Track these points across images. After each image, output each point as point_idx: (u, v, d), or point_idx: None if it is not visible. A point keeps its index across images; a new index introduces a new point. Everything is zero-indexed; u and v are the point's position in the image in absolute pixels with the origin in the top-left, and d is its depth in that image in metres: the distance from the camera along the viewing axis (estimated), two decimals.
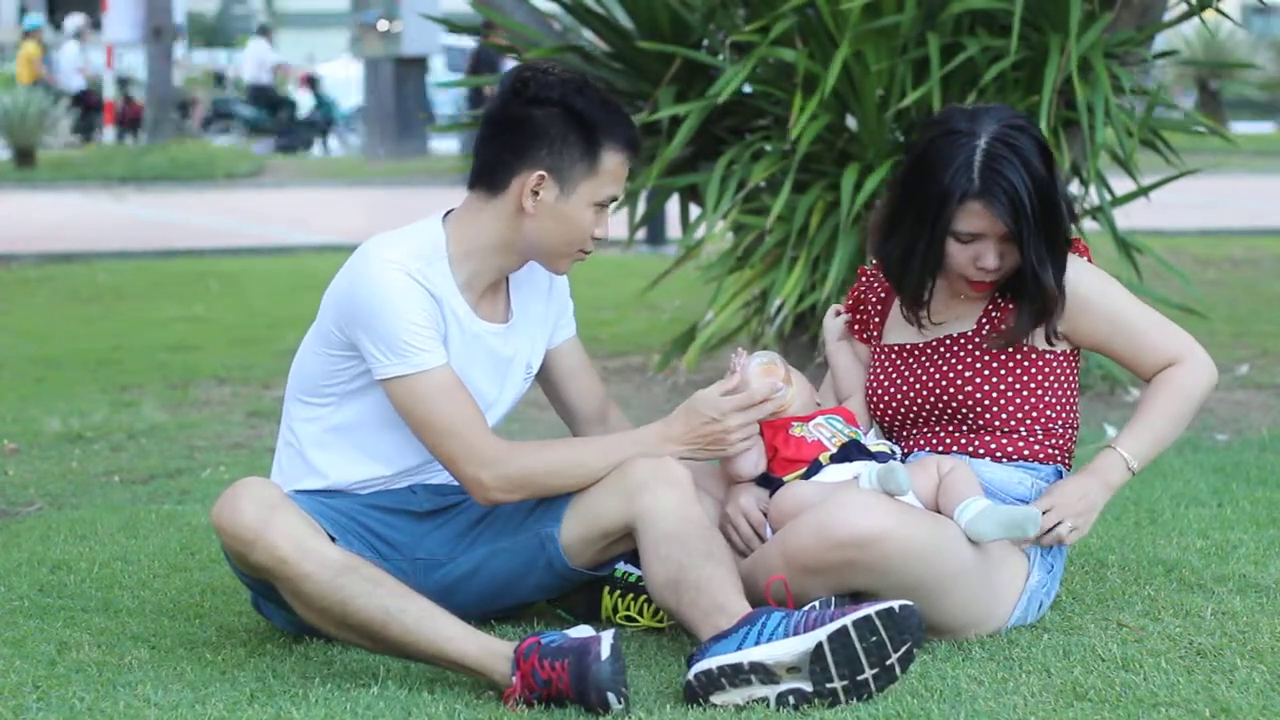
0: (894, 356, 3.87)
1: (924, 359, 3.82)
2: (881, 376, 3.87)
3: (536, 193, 3.66)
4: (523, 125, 3.66)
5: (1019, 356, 3.76)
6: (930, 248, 3.69)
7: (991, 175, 3.63)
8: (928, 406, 3.79)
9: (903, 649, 3.30)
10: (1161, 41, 18.05)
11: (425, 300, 3.64)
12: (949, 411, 3.77)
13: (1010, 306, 3.76)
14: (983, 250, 3.68)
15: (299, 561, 3.46)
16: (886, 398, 3.85)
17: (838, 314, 4.02)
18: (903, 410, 3.83)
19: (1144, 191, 6.73)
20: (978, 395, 3.75)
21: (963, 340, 3.79)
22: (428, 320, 3.64)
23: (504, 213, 3.70)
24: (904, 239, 3.73)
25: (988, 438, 3.77)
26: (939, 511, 3.65)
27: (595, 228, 3.72)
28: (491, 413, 3.79)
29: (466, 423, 3.64)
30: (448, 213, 3.79)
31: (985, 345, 3.77)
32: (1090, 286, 3.77)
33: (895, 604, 3.30)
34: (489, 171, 3.71)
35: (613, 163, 3.70)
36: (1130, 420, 3.83)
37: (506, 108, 3.69)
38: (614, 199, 3.75)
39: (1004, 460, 3.77)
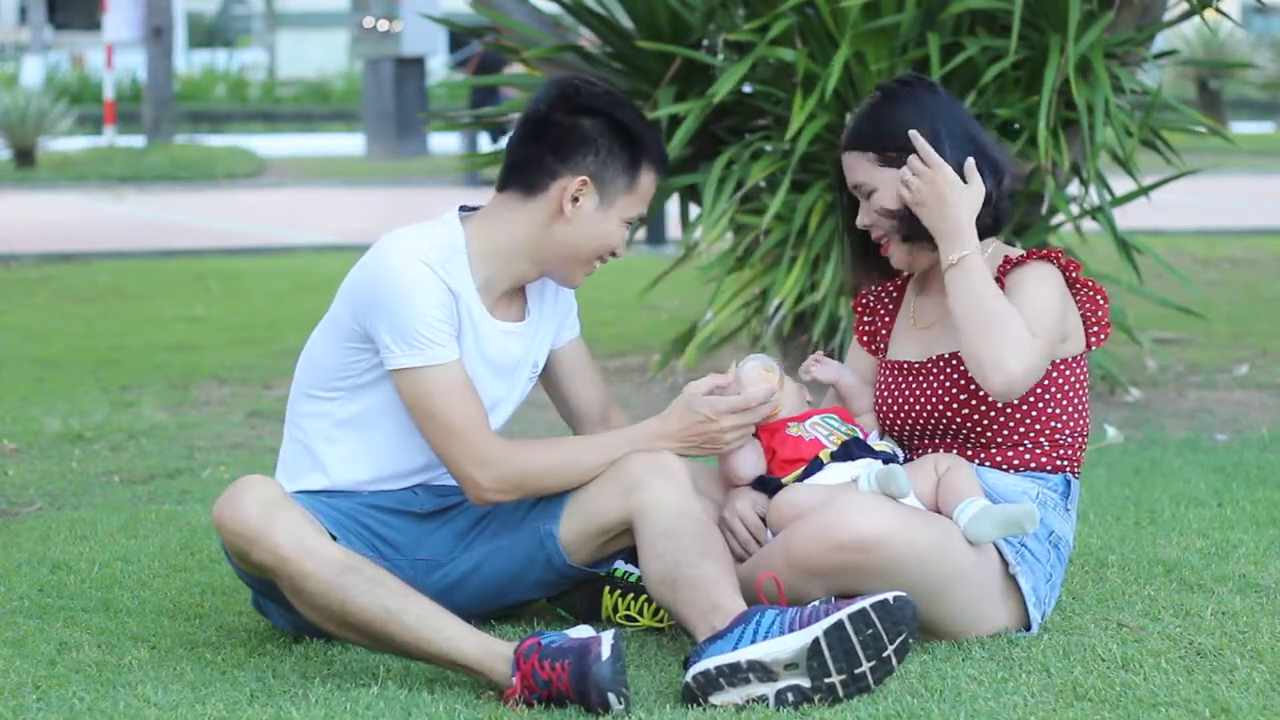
0: (897, 372, 3.86)
1: (924, 378, 3.80)
2: (885, 392, 3.86)
3: (577, 199, 3.69)
4: (570, 131, 3.69)
5: None
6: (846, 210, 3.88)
7: (851, 127, 3.80)
8: (932, 422, 3.78)
9: (898, 640, 3.30)
10: (1161, 41, 18.05)
11: (444, 295, 3.65)
12: (953, 428, 3.76)
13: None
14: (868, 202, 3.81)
15: (300, 560, 3.46)
16: (892, 413, 3.84)
17: (817, 360, 4.00)
18: (909, 425, 3.82)
19: (1144, 191, 6.73)
20: (977, 417, 3.73)
21: (955, 361, 3.76)
22: (445, 314, 3.65)
23: (539, 215, 3.71)
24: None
25: (994, 451, 3.75)
26: (939, 511, 3.65)
27: (620, 244, 3.76)
28: (497, 413, 3.80)
29: (469, 422, 3.65)
30: (461, 209, 3.80)
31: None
32: (1017, 276, 3.70)
33: (889, 595, 3.31)
34: (525, 173, 3.72)
35: (648, 182, 3.76)
36: None
37: (553, 113, 3.71)
38: (641, 218, 3.81)
39: (1010, 470, 3.76)
